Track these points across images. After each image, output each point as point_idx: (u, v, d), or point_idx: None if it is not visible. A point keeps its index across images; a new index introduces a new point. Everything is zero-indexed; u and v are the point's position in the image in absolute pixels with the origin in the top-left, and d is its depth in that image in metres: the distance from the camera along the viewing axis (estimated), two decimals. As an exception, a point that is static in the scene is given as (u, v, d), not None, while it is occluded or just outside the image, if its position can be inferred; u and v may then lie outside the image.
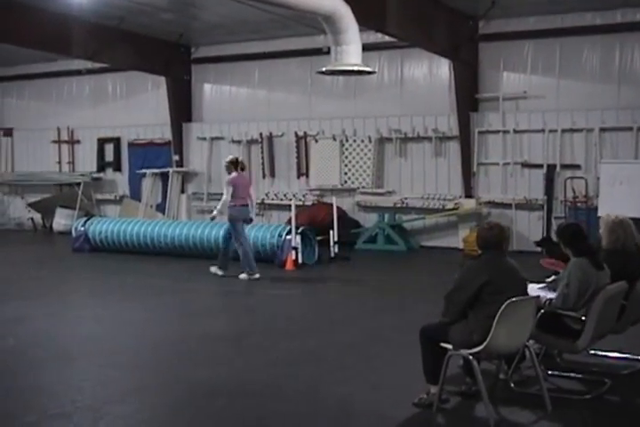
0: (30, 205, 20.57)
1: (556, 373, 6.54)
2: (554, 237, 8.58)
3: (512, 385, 6.25)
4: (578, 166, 14.93)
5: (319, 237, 14.00)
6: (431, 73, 16.39)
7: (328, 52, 11.36)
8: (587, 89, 14.82)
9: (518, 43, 15.34)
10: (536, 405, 5.82)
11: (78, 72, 19.94)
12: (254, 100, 18.31)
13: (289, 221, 14.15)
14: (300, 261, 13.24)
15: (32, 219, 20.79)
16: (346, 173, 17.06)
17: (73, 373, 7.02)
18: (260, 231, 13.82)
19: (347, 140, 17.02)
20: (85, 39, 15.53)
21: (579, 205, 14.56)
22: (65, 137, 20.97)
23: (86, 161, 20.68)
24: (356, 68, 11.10)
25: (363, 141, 16.84)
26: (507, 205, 15.52)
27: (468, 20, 15.16)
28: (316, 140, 17.41)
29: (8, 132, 21.98)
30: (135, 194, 19.68)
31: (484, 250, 5.85)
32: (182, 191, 19.17)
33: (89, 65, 19.06)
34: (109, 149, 20.28)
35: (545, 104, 15.23)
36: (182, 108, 18.98)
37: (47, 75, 20.77)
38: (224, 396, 6.26)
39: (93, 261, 14.70)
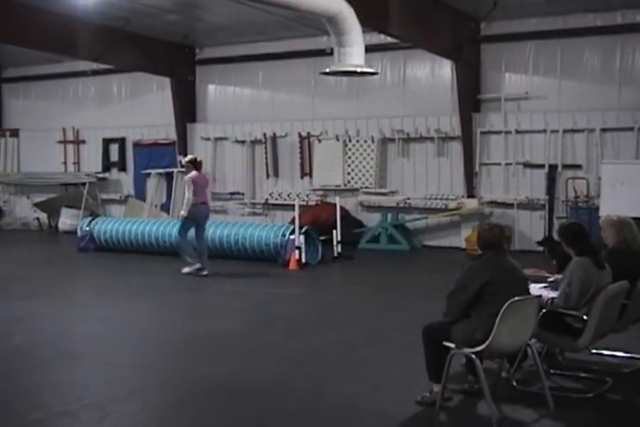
0: (36, 204, 20.60)
1: (557, 371, 6.54)
2: (556, 237, 8.56)
3: (514, 384, 6.24)
4: (579, 166, 14.92)
5: (322, 237, 14.00)
6: (433, 74, 16.38)
7: (331, 54, 11.37)
8: (588, 90, 14.81)
9: (520, 44, 15.32)
10: (538, 403, 5.81)
11: (84, 73, 19.96)
12: (258, 100, 18.32)
13: (292, 221, 14.16)
14: (303, 260, 13.22)
15: (38, 219, 20.81)
16: (349, 173, 17.06)
17: (78, 371, 7.03)
18: (263, 231, 13.83)
19: (350, 141, 17.03)
20: (91, 41, 15.54)
21: (580, 204, 14.55)
22: (70, 137, 20.99)
23: (91, 161, 20.69)
24: (359, 69, 11.09)
25: (366, 142, 16.84)
26: (509, 205, 15.51)
27: (470, 21, 15.15)
28: (320, 141, 17.41)
29: (14, 133, 22.00)
30: (140, 194, 19.68)
31: (485, 250, 5.84)
32: (187, 191, 19.15)
33: (94, 66, 19.07)
34: (114, 149, 20.30)
35: (546, 105, 15.22)
36: (187, 109, 18.99)
37: (53, 76, 20.80)
38: (228, 394, 6.26)
39: (98, 261, 14.72)
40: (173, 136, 19.17)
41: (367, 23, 11.43)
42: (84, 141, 20.91)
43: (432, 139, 16.21)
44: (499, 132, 15.62)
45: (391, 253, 15.42)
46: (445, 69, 16.11)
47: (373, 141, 16.74)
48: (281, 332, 8.62)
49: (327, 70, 11.31)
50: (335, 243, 14.12)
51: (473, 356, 5.56)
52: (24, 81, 21.61)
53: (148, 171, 19.29)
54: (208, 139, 18.84)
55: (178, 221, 13.15)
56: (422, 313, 7.17)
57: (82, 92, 20.85)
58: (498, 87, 15.65)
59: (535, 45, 15.25)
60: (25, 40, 14.72)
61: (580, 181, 14.76)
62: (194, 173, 12.30)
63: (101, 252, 15.19)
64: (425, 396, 5.82)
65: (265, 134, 18.02)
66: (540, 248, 13.70)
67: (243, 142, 18.40)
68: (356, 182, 16.99)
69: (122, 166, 20.22)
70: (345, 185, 17.07)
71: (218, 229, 14.23)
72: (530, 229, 15.33)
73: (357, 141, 16.93)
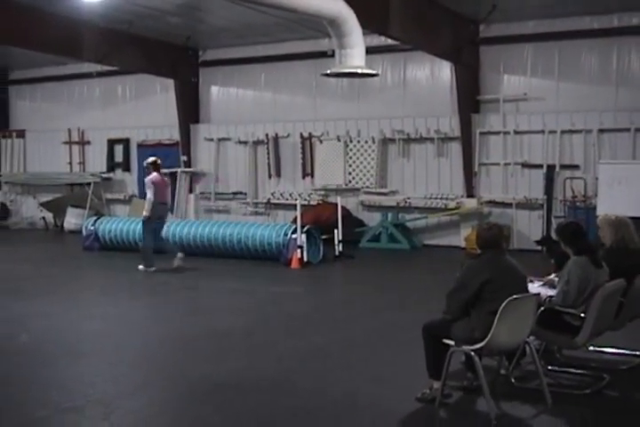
0: (42, 204, 20.61)
1: (555, 368, 6.54)
2: (554, 236, 8.56)
3: (513, 380, 6.25)
4: (577, 167, 14.92)
5: (324, 236, 14.00)
6: (433, 75, 16.38)
7: (332, 55, 11.40)
8: (585, 91, 14.81)
9: (518, 46, 15.33)
10: (536, 399, 5.81)
11: (89, 75, 19.99)
12: (260, 101, 18.32)
13: (294, 221, 14.15)
14: (305, 259, 13.23)
15: (44, 218, 20.84)
16: (350, 174, 17.07)
17: (84, 369, 7.03)
18: (266, 230, 13.83)
19: (351, 141, 17.03)
20: (95, 43, 15.56)
21: (578, 204, 14.56)
22: (76, 138, 21.00)
23: (96, 161, 20.70)
24: (359, 71, 11.10)
25: (366, 142, 16.84)
26: (507, 205, 15.51)
27: (469, 23, 15.15)
28: (321, 141, 17.41)
29: (20, 134, 22.02)
30: (144, 194, 19.62)
31: (484, 249, 5.85)
32: (190, 191, 19.20)
33: (99, 68, 19.11)
34: (119, 149, 20.32)
35: (544, 106, 15.22)
36: (190, 110, 19.00)
37: (58, 78, 20.81)
38: (231, 391, 6.26)
39: (103, 260, 14.73)
40: (177, 137, 19.17)
41: (368, 25, 11.44)
42: (89, 142, 20.94)
43: (432, 139, 16.21)
44: (497, 133, 15.62)
45: (391, 252, 15.42)
46: (445, 71, 16.11)
47: (374, 142, 16.75)
48: (282, 330, 8.62)
49: (328, 72, 11.32)
50: (336, 242, 14.12)
51: (472, 353, 5.57)
52: (30, 83, 21.64)
53: (152, 171, 19.27)
54: (211, 139, 18.85)
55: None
56: (422, 311, 7.17)
57: (87, 93, 20.86)
58: (497, 88, 15.65)
59: (533, 47, 15.25)
60: (31, 43, 14.73)
61: (577, 180, 14.76)
62: (154, 174, 12.63)
63: (106, 251, 15.19)
64: (425, 392, 5.82)
65: (267, 135, 18.02)
66: (539, 247, 13.73)
67: (245, 143, 18.41)
68: (356, 182, 16.99)
69: (126, 167, 20.24)
70: (346, 185, 17.08)
71: (221, 228, 14.25)
72: (528, 228, 15.33)
73: (358, 142, 16.93)
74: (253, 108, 18.36)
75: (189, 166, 19.12)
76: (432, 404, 5.73)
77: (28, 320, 8.98)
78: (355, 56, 10.90)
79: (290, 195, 17.70)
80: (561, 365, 6.66)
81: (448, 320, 5.73)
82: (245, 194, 18.47)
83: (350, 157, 17.04)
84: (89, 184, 19.85)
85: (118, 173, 20.41)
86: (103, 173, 20.22)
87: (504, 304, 5.32)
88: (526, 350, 6.03)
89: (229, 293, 11.18)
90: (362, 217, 16.87)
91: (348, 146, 17.05)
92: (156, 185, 12.53)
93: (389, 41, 14.52)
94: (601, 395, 6.06)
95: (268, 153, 18.10)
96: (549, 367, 6.48)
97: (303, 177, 17.75)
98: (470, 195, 15.82)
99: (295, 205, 14.33)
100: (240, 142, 18.50)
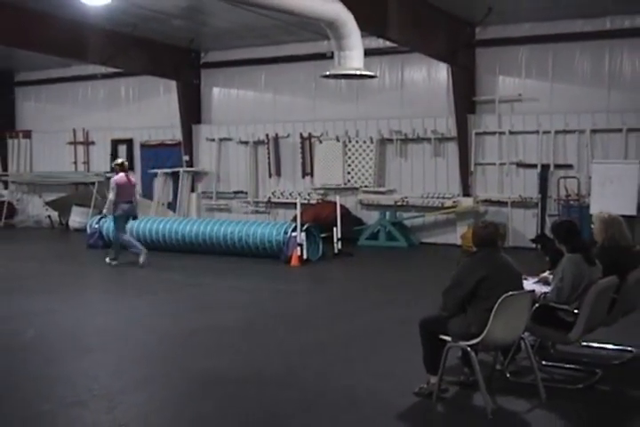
0: (47, 203, 20.59)
1: (549, 363, 6.55)
2: (549, 234, 8.56)
3: (508, 375, 6.25)
4: (570, 166, 14.91)
5: (323, 234, 13.99)
6: (430, 77, 16.36)
7: (331, 57, 11.37)
8: (578, 92, 14.80)
9: (513, 48, 15.30)
10: (531, 394, 5.82)
11: (93, 77, 19.96)
12: (261, 102, 18.31)
13: (294, 219, 14.16)
14: (304, 257, 13.23)
15: (49, 216, 20.82)
16: (349, 173, 17.05)
17: (88, 364, 7.03)
18: (266, 228, 13.83)
19: (349, 141, 17.02)
20: (100, 45, 15.56)
21: (571, 203, 14.55)
22: (80, 138, 21.00)
23: (100, 161, 20.70)
24: (358, 73, 11.10)
25: (365, 142, 16.83)
26: (503, 204, 15.50)
27: (465, 26, 15.13)
28: (320, 141, 17.40)
29: (27, 134, 22.02)
30: (147, 193, 19.68)
31: (480, 247, 5.84)
32: (192, 190, 19.18)
33: (103, 70, 19.06)
34: (122, 149, 20.29)
35: (539, 107, 15.20)
36: (192, 111, 18.98)
37: (63, 79, 20.78)
38: (233, 385, 6.27)
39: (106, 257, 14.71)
40: (179, 137, 19.16)
41: (366, 28, 11.42)
42: (93, 142, 20.93)
43: (429, 139, 16.20)
44: (493, 133, 15.61)
45: (389, 250, 15.42)
46: (442, 72, 16.09)
47: (372, 142, 16.73)
48: (283, 326, 8.62)
49: (327, 73, 11.32)
50: (335, 240, 14.13)
51: (468, 349, 5.57)
52: (36, 84, 21.60)
53: (155, 170, 19.27)
54: (213, 139, 18.84)
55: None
56: (420, 308, 7.17)
57: (91, 94, 20.85)
58: (492, 90, 15.63)
59: (528, 49, 15.23)
60: (37, 45, 14.73)
61: (571, 180, 14.75)
62: (120, 175, 12.97)
63: (109, 248, 15.13)
64: (422, 387, 5.83)
65: (267, 135, 18.01)
66: (534, 245, 13.73)
67: (246, 143, 18.40)
68: (355, 181, 16.98)
69: (130, 166, 20.13)
70: (345, 184, 17.06)
71: (222, 226, 14.24)
72: (523, 226, 15.32)
73: (357, 142, 16.92)
74: (254, 108, 18.34)
75: (191, 166, 19.10)
76: (429, 398, 5.73)
77: (34, 317, 8.98)
78: (353, 58, 10.89)
79: (290, 194, 17.69)
80: (555, 360, 6.66)
81: (445, 317, 5.72)
82: (246, 193, 18.46)
83: (349, 157, 17.03)
84: (93, 183, 19.80)
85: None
86: (107, 172, 20.16)
87: (499, 301, 5.32)
88: (521, 346, 6.04)
89: (231, 290, 11.18)
90: (360, 215, 16.86)
91: (346, 146, 17.04)
92: (120, 185, 12.80)
93: (387, 43, 14.51)
94: (593, 390, 6.07)
95: (269, 153, 18.09)
96: (544, 363, 6.49)
97: (303, 176, 17.73)
98: (466, 194, 15.81)
99: (295, 204, 14.32)
100: (241, 142, 18.48)
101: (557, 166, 14.99)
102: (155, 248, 14.73)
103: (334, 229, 14.15)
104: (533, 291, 6.03)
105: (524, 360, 6.24)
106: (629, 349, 7.02)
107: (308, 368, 6.78)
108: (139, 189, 19.78)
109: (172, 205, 19.12)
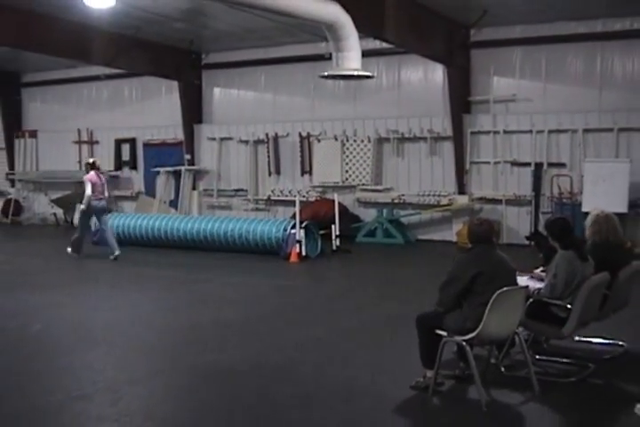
0: (53, 201, 20.61)
1: (543, 357, 6.54)
2: (543, 231, 8.57)
3: (502, 369, 6.26)
4: (563, 165, 14.92)
5: (322, 231, 13.99)
6: (426, 77, 16.36)
7: (330, 58, 11.37)
8: (571, 92, 14.80)
9: (508, 49, 15.30)
10: (525, 387, 5.82)
11: (97, 78, 19.94)
12: (261, 102, 18.30)
13: (293, 216, 14.15)
14: (303, 253, 13.22)
15: (55, 214, 20.84)
16: (347, 171, 17.05)
17: (93, 357, 7.03)
18: (266, 226, 13.82)
19: (347, 140, 17.01)
20: (104, 47, 15.55)
21: (564, 200, 14.55)
22: (85, 138, 21.00)
23: (104, 160, 20.54)
24: (356, 73, 11.11)
25: (362, 141, 16.83)
26: (497, 201, 15.50)
27: (460, 28, 15.12)
28: (319, 141, 17.40)
29: (33, 134, 22.02)
30: (150, 191, 19.68)
31: (475, 244, 5.84)
32: (194, 188, 19.18)
33: (107, 71, 19.05)
34: (126, 148, 20.31)
35: (532, 106, 15.20)
36: (193, 111, 18.97)
37: (68, 80, 20.76)
38: (234, 378, 6.27)
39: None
40: (181, 136, 19.16)
41: (364, 30, 11.42)
42: (97, 142, 20.93)
43: (425, 139, 16.20)
44: (488, 133, 15.62)
45: (387, 247, 15.42)
46: (437, 73, 16.09)
47: (370, 141, 16.73)
48: (283, 321, 8.62)
49: (326, 74, 11.33)
50: (334, 237, 14.11)
51: (464, 343, 5.57)
52: (42, 85, 21.58)
53: (158, 169, 19.27)
54: (213, 139, 18.84)
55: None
56: (417, 303, 7.17)
57: (95, 95, 20.83)
58: (487, 90, 15.63)
59: (522, 51, 15.23)
60: (43, 47, 14.74)
61: (564, 178, 14.76)
62: (91, 173, 13.30)
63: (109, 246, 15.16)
64: (419, 381, 5.83)
65: (267, 134, 18.01)
66: (527, 242, 13.72)
67: (246, 142, 18.39)
68: (353, 180, 16.98)
69: (133, 165, 20.23)
70: (343, 182, 17.07)
71: (223, 223, 14.23)
72: (517, 223, 15.32)
73: (354, 141, 16.92)
74: (254, 108, 18.33)
75: (193, 165, 19.10)
76: (425, 392, 5.74)
77: (41, 311, 8.98)
78: (351, 59, 10.89)
79: (289, 192, 17.68)
80: (548, 354, 6.66)
81: (441, 312, 5.72)
82: (246, 191, 18.46)
83: (347, 156, 17.02)
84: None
85: (125, 171, 20.40)
86: (111, 171, 20.18)
87: (494, 296, 5.32)
88: (515, 341, 6.04)
89: (231, 285, 11.18)
90: (358, 213, 16.87)
91: (344, 145, 17.04)
92: (92, 182, 13.15)
93: (384, 45, 14.48)
94: (586, 383, 6.07)
95: (268, 152, 18.08)
96: (537, 357, 6.49)
97: (302, 175, 17.73)
98: (462, 192, 15.81)
99: (294, 202, 14.30)
100: (241, 142, 18.48)
101: (551, 165, 14.99)
102: (157, 245, 14.79)
103: (332, 226, 14.14)
104: (527, 287, 6.03)
105: (519, 354, 6.23)
106: (620, 344, 7.02)
107: (306, 362, 6.78)
108: (141, 187, 19.92)
109: (173, 203, 19.12)
